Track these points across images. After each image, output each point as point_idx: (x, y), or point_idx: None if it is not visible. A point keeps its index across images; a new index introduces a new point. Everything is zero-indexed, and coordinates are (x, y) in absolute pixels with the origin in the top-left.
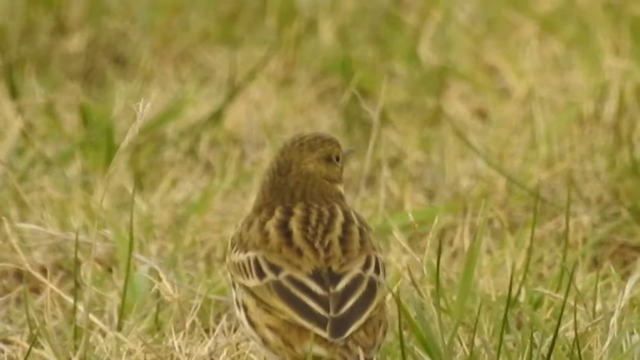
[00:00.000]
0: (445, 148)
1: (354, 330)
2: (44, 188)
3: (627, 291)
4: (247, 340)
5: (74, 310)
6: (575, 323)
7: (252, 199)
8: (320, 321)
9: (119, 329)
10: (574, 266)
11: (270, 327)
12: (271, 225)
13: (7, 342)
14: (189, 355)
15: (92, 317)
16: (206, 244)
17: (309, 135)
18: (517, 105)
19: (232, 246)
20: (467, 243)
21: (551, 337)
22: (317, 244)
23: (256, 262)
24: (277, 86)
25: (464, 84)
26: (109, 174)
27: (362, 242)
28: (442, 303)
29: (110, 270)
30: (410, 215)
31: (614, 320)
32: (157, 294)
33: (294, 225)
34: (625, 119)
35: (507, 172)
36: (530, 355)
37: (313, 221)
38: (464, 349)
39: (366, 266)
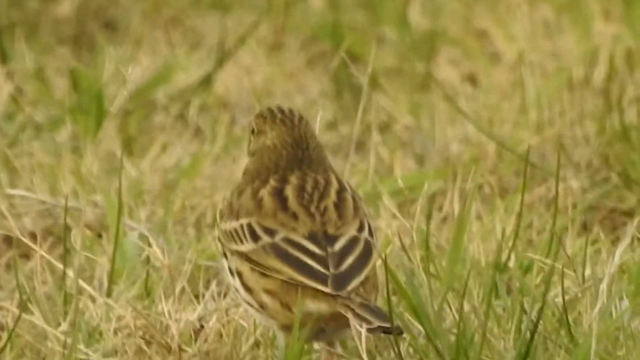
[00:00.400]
0: (435, 113)
1: (355, 286)
2: (34, 153)
3: (616, 257)
4: (237, 306)
5: (64, 276)
6: (564, 289)
7: (242, 164)
8: (321, 278)
9: (109, 294)
10: (561, 231)
11: (268, 291)
12: (265, 193)
13: None
14: (178, 320)
15: (81, 282)
16: (196, 209)
17: (288, 108)
18: (507, 70)
19: (221, 217)
20: (457, 209)
21: (541, 302)
22: (312, 209)
23: (250, 227)
24: (267, 51)
25: (454, 49)
26: (99, 139)
27: (355, 209)
28: (431, 269)
29: (100, 235)
30: (400, 180)
31: (603, 285)
32: (147, 260)
33: (290, 192)
34: (615, 83)
35: (497, 137)
36: (520, 320)
37: (309, 188)
38: (453, 315)
39: (360, 229)
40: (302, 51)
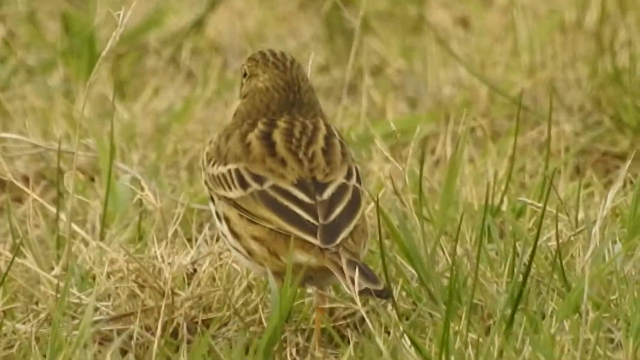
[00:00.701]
0: (427, 56)
1: (344, 237)
2: (26, 97)
3: (609, 200)
4: (228, 250)
5: (57, 219)
6: (557, 232)
7: (233, 108)
8: (310, 229)
9: (101, 238)
10: (554, 174)
11: (256, 238)
12: (253, 137)
13: None
14: (171, 264)
15: (74, 226)
16: (188, 152)
17: (281, 51)
18: (499, 13)
19: (209, 160)
20: (449, 152)
21: (533, 246)
22: (301, 155)
23: (238, 173)
24: None
25: None
26: (90, 82)
27: (343, 154)
28: (424, 212)
29: (92, 179)
30: (392, 124)
31: (596, 229)
32: (140, 203)
33: (278, 136)
34: (608, 26)
35: (489, 81)
36: (513, 264)
37: (297, 133)
38: (446, 258)
39: (349, 176)
40: None
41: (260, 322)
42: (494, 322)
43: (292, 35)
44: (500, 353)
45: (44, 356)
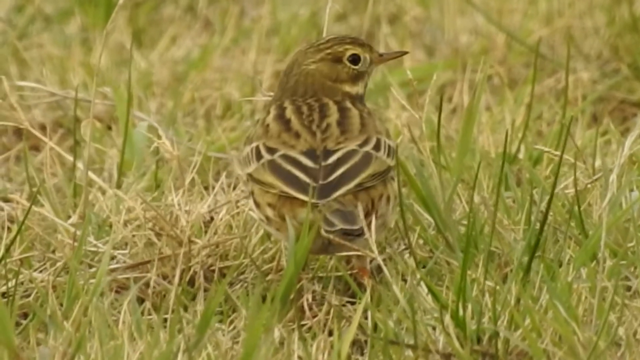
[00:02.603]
0: (444, 4)
1: (340, 194)
2: (44, 45)
3: (626, 147)
4: (247, 197)
5: (74, 167)
6: (575, 180)
7: (251, 56)
8: (304, 188)
9: (119, 186)
10: (571, 122)
11: (269, 205)
12: (270, 119)
13: (6, 200)
14: (188, 212)
15: (91, 174)
16: (205, 101)
17: (333, 37)
18: None
19: (244, 145)
20: (466, 100)
21: (550, 194)
22: (314, 127)
23: (257, 148)
24: None
25: None
26: (108, 30)
27: (363, 125)
28: (441, 160)
29: (109, 127)
30: (409, 72)
31: (613, 176)
32: (157, 152)
33: (290, 114)
34: None
35: (506, 28)
36: (530, 212)
37: (305, 110)
38: (463, 206)
39: (364, 144)
40: None
41: (278, 270)
42: (511, 270)
43: None
44: (518, 301)
45: (61, 304)
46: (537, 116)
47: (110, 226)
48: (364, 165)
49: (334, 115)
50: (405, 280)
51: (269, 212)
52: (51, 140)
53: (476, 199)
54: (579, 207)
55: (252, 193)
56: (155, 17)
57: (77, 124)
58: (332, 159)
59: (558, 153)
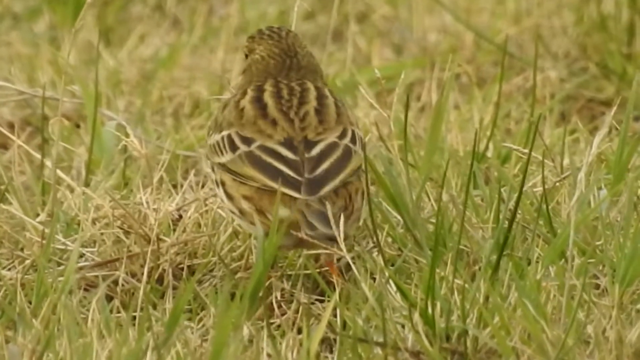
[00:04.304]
0: (413, 3)
1: (328, 190)
2: (12, 43)
3: (594, 146)
4: (215, 195)
5: (42, 165)
6: (543, 178)
7: (219, 54)
8: (292, 183)
9: (87, 184)
10: (539, 120)
11: (246, 197)
12: (246, 102)
13: None
14: (156, 210)
15: (59, 172)
16: (174, 99)
17: (278, 26)
18: None
19: (209, 133)
20: (434, 98)
21: (519, 192)
22: (292, 115)
23: (229, 137)
24: None
25: None
26: (76, 28)
27: (338, 115)
28: (409, 158)
29: (78, 126)
30: (377, 70)
31: (581, 175)
32: (125, 150)
33: (269, 99)
34: None
35: (475, 27)
36: (498, 210)
37: (285, 94)
38: (432, 204)
39: (342, 136)
40: None
41: (246, 269)
42: (480, 268)
43: None
44: (486, 299)
45: (30, 302)
46: (505, 114)
47: (79, 224)
48: (346, 160)
49: (312, 102)
50: (374, 279)
51: (244, 204)
52: (19, 138)
53: (445, 197)
54: (547, 205)
55: (222, 184)
56: (124, 16)
57: (45, 122)
58: (315, 151)
59: (526, 151)
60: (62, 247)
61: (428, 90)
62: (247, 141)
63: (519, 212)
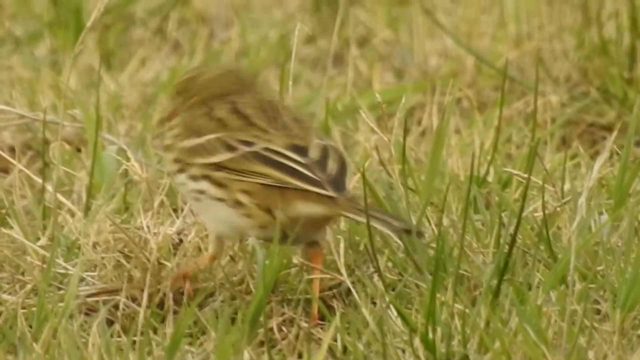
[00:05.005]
0: (414, 27)
1: (349, 188)
2: (13, 67)
3: (595, 171)
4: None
5: (43, 190)
6: (543, 203)
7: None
8: (316, 182)
9: (87, 208)
10: (540, 145)
11: (245, 191)
12: (223, 113)
13: None
14: (157, 234)
15: (60, 197)
16: None
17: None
18: None
19: (177, 136)
20: (435, 122)
21: (519, 216)
22: (276, 124)
23: (220, 140)
24: None
25: None
26: (76, 52)
27: (306, 124)
28: (410, 182)
29: (78, 150)
30: (378, 94)
31: (582, 200)
32: (126, 174)
33: (247, 110)
34: None
35: (475, 51)
36: (499, 235)
37: (258, 106)
38: (432, 229)
39: (322, 140)
40: None
41: (247, 293)
42: (480, 293)
43: (278, 6)
44: (487, 324)
45: (30, 327)
46: (506, 139)
47: (80, 248)
48: (343, 160)
49: (284, 114)
50: (374, 303)
51: (243, 198)
52: (20, 162)
53: (445, 221)
54: (548, 230)
55: (205, 177)
56: (125, 39)
57: (46, 147)
58: (314, 154)
59: (527, 176)
60: (63, 271)
61: (429, 115)
62: (247, 143)
63: (520, 236)
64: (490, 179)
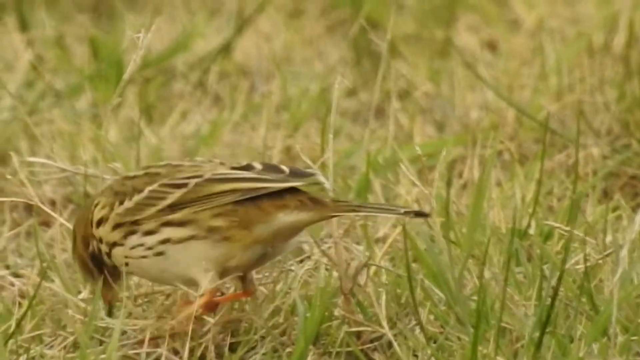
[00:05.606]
0: (454, 80)
1: None
2: (54, 121)
3: (637, 223)
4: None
5: None
6: (585, 255)
7: (260, 131)
8: (283, 181)
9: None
10: (582, 197)
11: (218, 215)
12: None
13: (17, 275)
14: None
15: None
16: None
17: None
18: (527, 37)
19: (118, 204)
20: (476, 175)
21: (561, 269)
22: (198, 164)
23: (164, 184)
24: (287, 18)
25: (474, 15)
26: (113, 104)
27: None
28: (451, 235)
29: None
30: (419, 147)
31: (624, 252)
32: None
33: (160, 170)
34: (635, 49)
35: (516, 104)
36: (541, 287)
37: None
38: (474, 281)
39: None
40: (321, 18)
41: (288, 345)
42: (522, 346)
43: (319, 58)
44: None
45: None
46: (547, 192)
47: (121, 301)
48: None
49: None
50: (416, 356)
51: (218, 222)
52: (61, 216)
53: (487, 274)
54: (590, 282)
55: (166, 223)
56: (165, 93)
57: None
58: (259, 167)
59: (568, 229)
60: (104, 324)
61: (470, 167)
62: (193, 177)
63: (561, 289)
64: (531, 231)
